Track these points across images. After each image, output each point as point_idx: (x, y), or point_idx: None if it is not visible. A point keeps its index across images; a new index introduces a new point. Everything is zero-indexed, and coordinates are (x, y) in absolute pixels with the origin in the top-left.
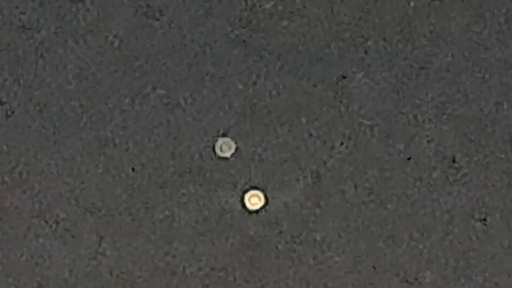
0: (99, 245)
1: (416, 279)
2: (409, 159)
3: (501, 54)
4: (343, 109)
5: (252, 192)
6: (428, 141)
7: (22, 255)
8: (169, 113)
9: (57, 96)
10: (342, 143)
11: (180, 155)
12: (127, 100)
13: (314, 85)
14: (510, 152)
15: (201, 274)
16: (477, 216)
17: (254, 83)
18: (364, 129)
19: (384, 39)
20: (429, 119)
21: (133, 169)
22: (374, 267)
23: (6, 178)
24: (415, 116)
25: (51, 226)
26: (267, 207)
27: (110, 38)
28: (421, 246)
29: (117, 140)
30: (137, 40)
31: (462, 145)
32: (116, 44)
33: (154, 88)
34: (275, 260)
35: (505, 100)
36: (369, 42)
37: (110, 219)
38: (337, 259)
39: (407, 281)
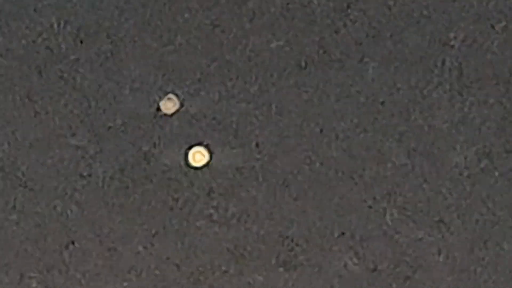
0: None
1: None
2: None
3: None
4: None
5: (196, 148)
6: None
7: None
8: (115, 69)
9: None
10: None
11: (125, 113)
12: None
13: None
14: None
15: (144, 231)
16: None
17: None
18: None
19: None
20: None
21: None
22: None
23: None
24: None
25: None
26: (211, 163)
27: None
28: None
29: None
30: None
31: None
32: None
33: (100, 46)
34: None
35: None
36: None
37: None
38: (277, 215)
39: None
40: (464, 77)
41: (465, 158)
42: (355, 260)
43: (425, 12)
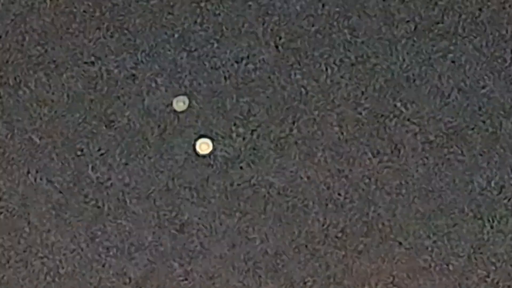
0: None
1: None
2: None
3: None
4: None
5: (202, 140)
6: None
7: None
8: (135, 76)
9: None
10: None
11: (144, 111)
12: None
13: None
14: None
15: (158, 206)
16: None
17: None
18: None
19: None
20: None
21: (105, 126)
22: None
23: None
24: None
25: None
26: (215, 153)
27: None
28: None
29: (91, 97)
30: None
31: None
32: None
33: (120, 53)
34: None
35: None
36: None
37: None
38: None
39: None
40: None
41: None
42: None
43: None
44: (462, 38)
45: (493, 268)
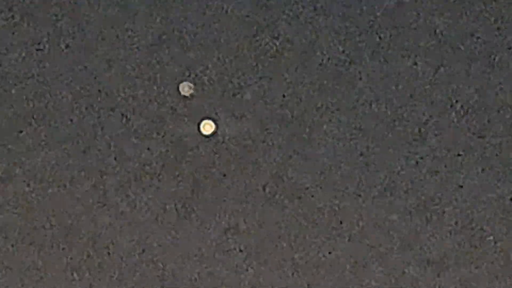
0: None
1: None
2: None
3: None
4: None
5: (206, 121)
6: None
7: None
8: (145, 62)
9: None
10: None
11: (150, 94)
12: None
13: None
14: None
15: (165, 182)
16: None
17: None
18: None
19: None
20: None
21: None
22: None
23: None
24: None
25: None
26: (218, 132)
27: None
28: None
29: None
30: None
31: None
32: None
33: (133, 43)
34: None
35: None
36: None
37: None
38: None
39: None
40: None
41: None
42: None
43: None
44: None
45: None
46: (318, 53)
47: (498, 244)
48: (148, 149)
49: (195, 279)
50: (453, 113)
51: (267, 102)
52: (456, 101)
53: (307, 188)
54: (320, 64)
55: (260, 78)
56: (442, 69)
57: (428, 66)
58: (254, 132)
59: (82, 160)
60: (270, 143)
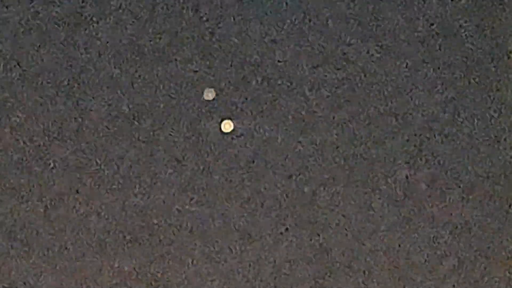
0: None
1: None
2: None
3: None
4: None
5: (226, 121)
6: None
7: None
8: (166, 68)
9: None
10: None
11: (174, 100)
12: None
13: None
14: None
15: (187, 175)
16: None
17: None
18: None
19: None
20: None
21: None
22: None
23: None
24: None
25: None
26: (238, 131)
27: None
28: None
29: (119, 83)
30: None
31: None
32: None
33: (154, 44)
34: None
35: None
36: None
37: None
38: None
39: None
40: None
41: None
42: None
43: None
44: None
45: None
46: (339, 53)
47: (492, 238)
48: (177, 146)
49: (212, 280)
50: (453, 113)
51: (281, 103)
52: (456, 101)
53: (321, 185)
54: (342, 64)
55: (277, 80)
56: (442, 69)
57: (428, 66)
58: (269, 130)
59: (110, 159)
60: (284, 142)
